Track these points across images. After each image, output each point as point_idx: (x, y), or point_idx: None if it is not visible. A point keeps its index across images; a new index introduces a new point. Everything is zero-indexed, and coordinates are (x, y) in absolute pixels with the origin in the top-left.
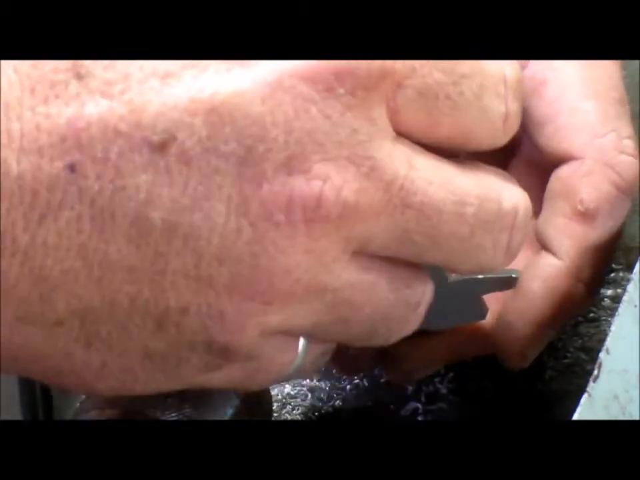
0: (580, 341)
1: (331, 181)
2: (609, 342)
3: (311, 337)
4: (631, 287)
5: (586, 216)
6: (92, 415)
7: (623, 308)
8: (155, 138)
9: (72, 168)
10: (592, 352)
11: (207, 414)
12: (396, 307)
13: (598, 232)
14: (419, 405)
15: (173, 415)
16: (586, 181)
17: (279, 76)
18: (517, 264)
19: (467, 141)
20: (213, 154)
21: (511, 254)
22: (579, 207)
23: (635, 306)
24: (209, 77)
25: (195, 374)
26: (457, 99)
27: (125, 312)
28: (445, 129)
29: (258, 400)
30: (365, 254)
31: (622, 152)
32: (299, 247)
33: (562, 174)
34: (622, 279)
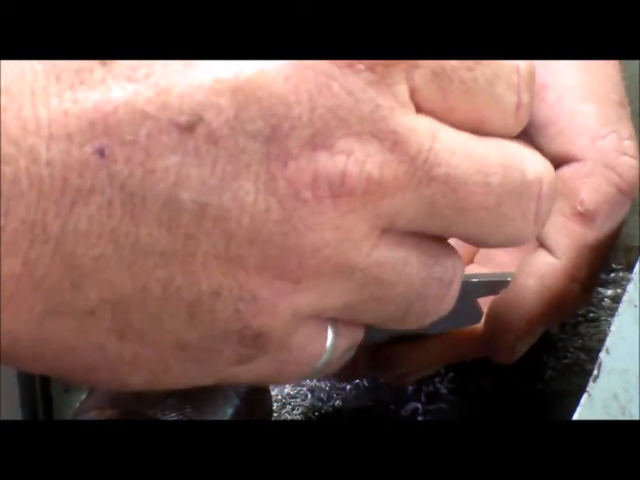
0: (580, 341)
1: (355, 156)
2: (609, 342)
3: (344, 318)
4: (630, 287)
5: (585, 217)
6: (92, 415)
7: (622, 308)
8: (183, 119)
9: (101, 152)
10: (592, 352)
11: (206, 414)
12: (429, 284)
13: (596, 233)
14: (419, 405)
15: (173, 415)
16: (587, 182)
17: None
18: (512, 263)
19: (479, 128)
20: (240, 133)
21: (540, 224)
22: (579, 207)
23: (635, 306)
24: (232, 61)
25: (228, 366)
26: (470, 85)
27: (157, 299)
28: (459, 114)
29: (258, 400)
30: (393, 231)
31: (623, 153)
32: (327, 223)
33: (563, 175)
34: (622, 279)
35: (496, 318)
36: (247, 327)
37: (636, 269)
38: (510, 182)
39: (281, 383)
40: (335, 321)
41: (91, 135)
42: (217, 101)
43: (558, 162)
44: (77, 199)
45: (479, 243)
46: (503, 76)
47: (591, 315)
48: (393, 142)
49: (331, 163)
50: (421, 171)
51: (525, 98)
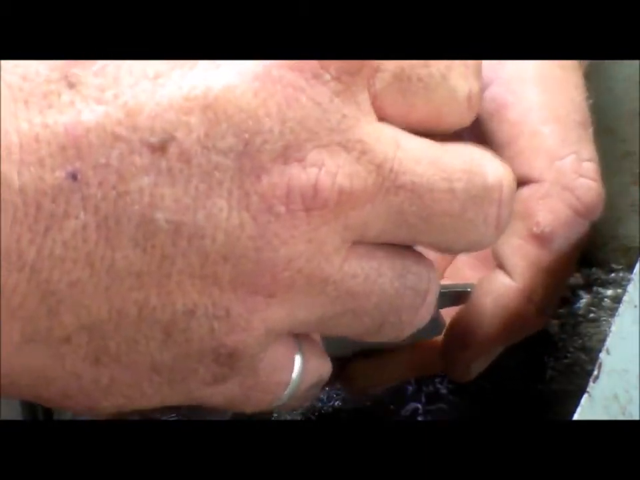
0: (580, 341)
1: (326, 168)
2: (609, 342)
3: (318, 332)
4: (631, 287)
5: (541, 239)
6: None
7: (623, 308)
8: (154, 139)
9: (74, 176)
10: (592, 352)
11: (206, 414)
12: (404, 295)
13: (553, 255)
14: (419, 405)
15: (173, 415)
16: (543, 203)
17: (267, 67)
18: (471, 279)
19: (438, 123)
20: (212, 150)
21: (500, 229)
22: (535, 229)
23: (635, 306)
24: (199, 74)
25: (200, 387)
26: (427, 81)
27: (133, 321)
28: (419, 112)
29: None
30: (364, 242)
31: (581, 175)
32: (300, 236)
33: (521, 196)
34: (622, 279)
35: (452, 336)
36: (221, 345)
37: (636, 269)
38: (473, 187)
39: (247, 409)
40: (302, 353)
41: (62, 160)
42: (187, 119)
43: (518, 183)
44: (51, 225)
45: (443, 250)
46: (454, 68)
47: (591, 315)
48: (360, 152)
49: (304, 175)
50: (387, 180)
51: (475, 86)
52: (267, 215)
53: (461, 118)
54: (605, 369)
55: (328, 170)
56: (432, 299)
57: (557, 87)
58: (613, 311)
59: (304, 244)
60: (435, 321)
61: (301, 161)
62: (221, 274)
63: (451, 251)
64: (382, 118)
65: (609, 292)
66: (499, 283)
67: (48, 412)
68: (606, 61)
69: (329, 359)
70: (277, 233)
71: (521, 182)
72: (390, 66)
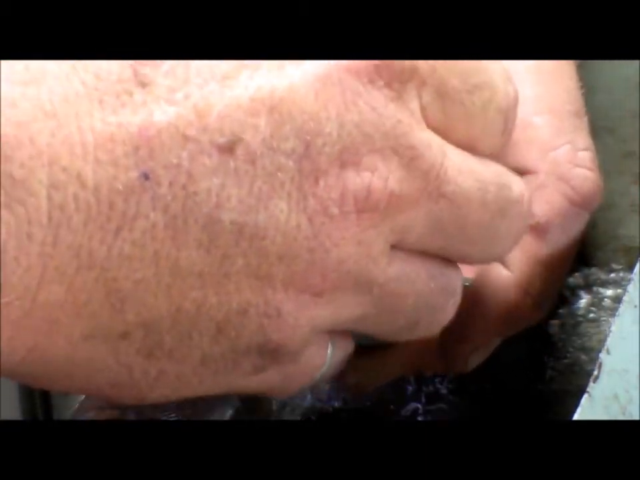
0: (580, 341)
1: (379, 172)
2: (609, 342)
3: (357, 329)
4: (631, 287)
5: (537, 230)
6: (91, 415)
7: (623, 308)
8: (223, 140)
9: (146, 176)
10: (592, 352)
11: (207, 414)
12: (437, 295)
13: (549, 246)
14: (419, 406)
15: (173, 415)
16: (538, 194)
17: (328, 70)
18: (468, 272)
19: (472, 149)
20: (277, 152)
21: (517, 242)
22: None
23: (635, 306)
24: (264, 75)
25: (241, 377)
26: (469, 107)
27: (190, 319)
28: (457, 134)
29: (258, 400)
30: (402, 246)
31: (577, 165)
32: (351, 238)
33: None
34: (622, 279)
35: (450, 329)
36: (268, 341)
37: (636, 269)
38: (501, 199)
39: (282, 393)
40: (332, 334)
41: (136, 159)
42: (254, 121)
43: None
44: (122, 224)
45: (467, 260)
46: (495, 101)
47: (591, 315)
48: (411, 157)
49: (358, 179)
50: (432, 186)
51: (510, 124)
52: (321, 217)
53: (493, 148)
54: (605, 369)
55: (380, 174)
56: (459, 296)
57: (550, 77)
58: (613, 311)
59: (354, 246)
60: None
61: (356, 164)
62: (275, 274)
63: (474, 261)
64: (429, 129)
65: (609, 292)
66: (495, 275)
67: (48, 412)
68: (606, 61)
69: (351, 335)
70: (329, 234)
71: (517, 173)
72: (435, 82)
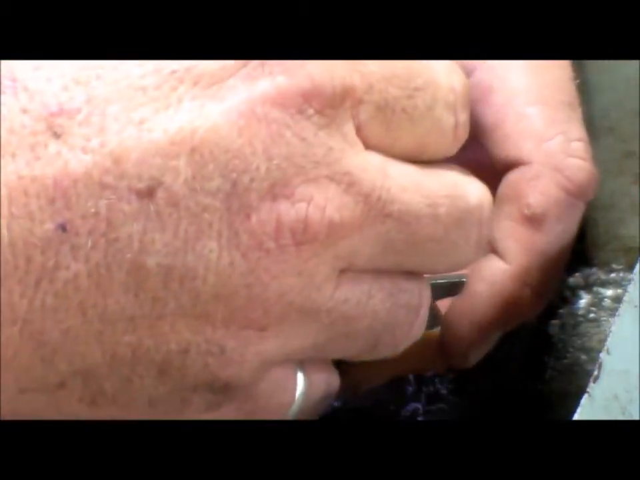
0: (580, 341)
1: (314, 202)
2: (610, 342)
3: (313, 357)
4: (631, 288)
5: (533, 220)
6: None
7: (623, 308)
8: (142, 185)
9: (63, 227)
10: (592, 352)
11: None
12: (396, 313)
13: (546, 236)
14: (419, 406)
15: None
16: (533, 185)
17: (251, 105)
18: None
19: (421, 153)
20: (200, 192)
21: (481, 247)
22: (526, 211)
23: (635, 306)
24: (184, 116)
25: (195, 414)
26: (411, 112)
27: (127, 363)
28: (403, 143)
29: None
30: (353, 268)
31: (570, 155)
32: (291, 270)
33: (511, 179)
34: (622, 279)
35: (449, 325)
36: (215, 379)
37: (636, 269)
38: (455, 211)
39: None
40: (304, 369)
41: (51, 212)
42: (174, 163)
43: (506, 166)
44: (42, 277)
45: (427, 271)
46: (441, 98)
47: (591, 315)
48: (348, 183)
49: (293, 211)
50: (375, 209)
51: (462, 117)
52: (257, 252)
53: (446, 148)
54: (605, 369)
55: (316, 204)
56: (425, 312)
57: (542, 67)
58: (613, 311)
59: (294, 277)
60: (432, 313)
61: (289, 196)
62: (213, 312)
63: (434, 272)
64: (367, 147)
65: (609, 292)
66: (492, 267)
67: None
68: (606, 61)
69: (334, 369)
70: (267, 268)
71: (510, 165)
72: (373, 97)
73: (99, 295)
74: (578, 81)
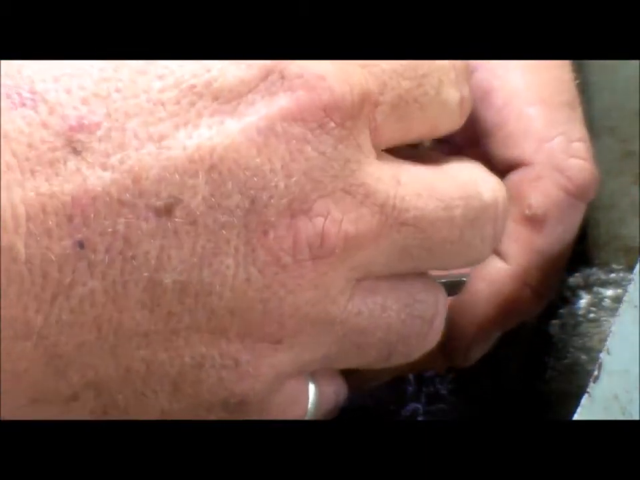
0: (580, 341)
1: (331, 216)
2: (610, 342)
3: (324, 367)
4: (631, 288)
5: (534, 221)
6: None
7: (623, 308)
8: (160, 203)
9: (81, 245)
10: (592, 352)
11: None
12: (411, 324)
13: (547, 237)
14: (419, 406)
15: None
16: (534, 185)
17: (270, 122)
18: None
19: (432, 133)
20: (218, 210)
21: (496, 243)
22: (527, 211)
23: (635, 306)
24: (203, 134)
25: None
26: (422, 100)
27: (141, 377)
28: (415, 130)
29: None
30: (368, 279)
31: (571, 156)
32: (307, 284)
33: (512, 180)
34: (622, 279)
35: (449, 323)
36: (230, 394)
37: (636, 270)
38: (470, 211)
39: None
40: (315, 381)
41: (69, 229)
42: (192, 182)
43: (507, 167)
44: (58, 293)
45: (441, 270)
46: (445, 78)
47: (591, 315)
48: (364, 194)
49: (310, 226)
50: (391, 218)
51: (465, 90)
52: (274, 268)
53: (454, 123)
54: (605, 369)
55: (333, 218)
56: (440, 322)
57: (542, 67)
58: (613, 311)
59: (311, 290)
60: None
61: (307, 212)
62: (228, 326)
63: (451, 269)
64: (381, 145)
65: (609, 292)
66: (493, 267)
67: None
68: (606, 61)
69: (343, 380)
70: (283, 283)
71: (511, 165)
72: (388, 96)
73: (114, 311)
74: (578, 81)
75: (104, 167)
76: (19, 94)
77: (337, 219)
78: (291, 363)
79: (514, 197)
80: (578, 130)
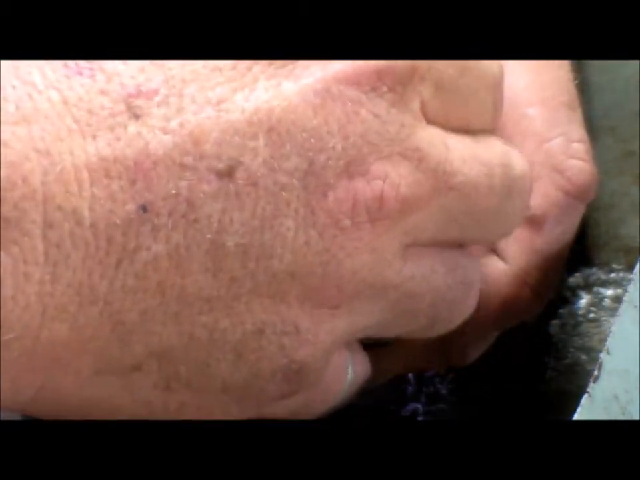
0: (580, 341)
1: (390, 179)
2: (610, 342)
3: (375, 335)
4: (631, 288)
5: (533, 222)
6: None
7: (623, 308)
8: (221, 166)
9: (144, 208)
10: (592, 352)
11: None
12: (454, 288)
13: (546, 237)
14: (419, 406)
15: None
16: (534, 186)
17: (326, 84)
18: None
19: (467, 131)
20: (278, 172)
21: (524, 216)
22: (526, 212)
23: (635, 306)
24: (260, 96)
25: (268, 404)
26: (463, 91)
27: (203, 345)
28: (454, 120)
29: None
30: (417, 243)
31: (571, 156)
32: (365, 247)
33: None
34: (622, 279)
35: None
36: (291, 361)
37: (636, 270)
38: (507, 180)
39: (306, 417)
40: (352, 358)
41: (132, 193)
42: (253, 143)
43: None
44: (122, 257)
45: (480, 243)
46: (484, 78)
47: (591, 315)
48: (418, 159)
49: (368, 188)
50: (441, 181)
51: (499, 100)
52: (333, 230)
53: (486, 125)
54: (605, 369)
55: (391, 181)
56: (477, 288)
57: (542, 68)
58: (613, 311)
59: (368, 254)
60: None
61: (364, 174)
62: (288, 291)
63: (486, 242)
64: (429, 122)
65: (609, 292)
66: (492, 267)
67: None
68: (606, 61)
69: (368, 357)
70: (342, 246)
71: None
72: (434, 75)
73: (177, 276)
74: (578, 81)
75: (164, 131)
76: (77, 63)
77: (395, 182)
78: (347, 330)
79: None
80: (578, 130)
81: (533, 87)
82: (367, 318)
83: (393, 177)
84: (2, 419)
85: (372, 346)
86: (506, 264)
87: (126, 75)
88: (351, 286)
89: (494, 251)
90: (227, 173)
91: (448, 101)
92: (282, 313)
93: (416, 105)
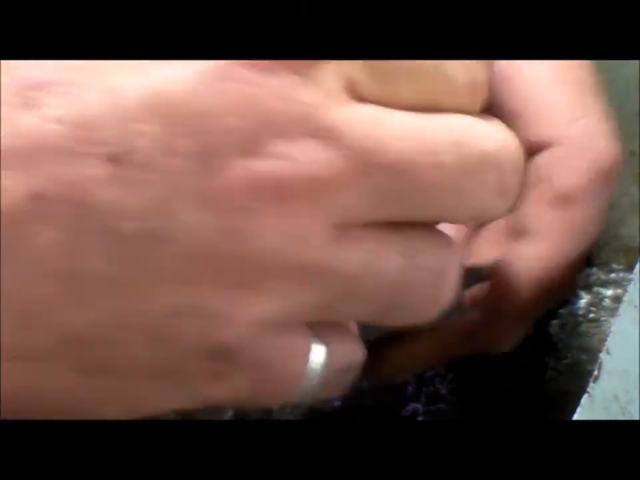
0: (580, 341)
1: (291, 158)
2: (610, 342)
3: (322, 319)
4: (631, 288)
5: (564, 200)
6: None
7: (623, 308)
8: (113, 150)
9: (36, 196)
10: (592, 352)
11: (206, 414)
12: (413, 275)
13: (578, 216)
14: (419, 406)
15: (172, 414)
16: (562, 166)
17: (225, 66)
18: (491, 255)
19: (433, 107)
20: (173, 155)
21: (507, 195)
22: (558, 191)
23: (635, 306)
24: (155, 79)
25: (203, 385)
26: (410, 65)
27: (113, 330)
28: (405, 97)
29: None
30: (354, 225)
31: (600, 136)
32: (275, 228)
33: (540, 161)
34: (622, 279)
35: (487, 309)
36: (212, 343)
37: (636, 269)
38: (464, 158)
39: (263, 404)
40: (324, 339)
41: (26, 180)
42: (144, 127)
43: (535, 150)
44: (17, 244)
45: (449, 221)
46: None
47: (591, 315)
48: (330, 138)
49: (267, 167)
50: (363, 160)
51: (480, 75)
52: (231, 210)
53: (462, 105)
54: (605, 369)
55: (293, 159)
56: (452, 276)
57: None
58: (613, 311)
59: (280, 236)
60: (459, 303)
61: (265, 154)
62: (195, 273)
63: (457, 222)
64: (361, 100)
65: (609, 292)
66: (527, 248)
67: None
68: (606, 61)
69: (359, 342)
70: (248, 227)
71: (539, 147)
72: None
73: (75, 262)
74: (627, 82)
75: (58, 121)
76: None
77: (298, 161)
78: (276, 312)
79: (542, 178)
80: (602, 110)
81: (554, 71)
82: (299, 300)
83: (296, 156)
84: None
85: (399, 337)
86: (540, 244)
87: (22, 68)
88: (268, 268)
89: (527, 231)
90: (118, 159)
91: (391, 81)
92: (193, 296)
93: (331, 83)
